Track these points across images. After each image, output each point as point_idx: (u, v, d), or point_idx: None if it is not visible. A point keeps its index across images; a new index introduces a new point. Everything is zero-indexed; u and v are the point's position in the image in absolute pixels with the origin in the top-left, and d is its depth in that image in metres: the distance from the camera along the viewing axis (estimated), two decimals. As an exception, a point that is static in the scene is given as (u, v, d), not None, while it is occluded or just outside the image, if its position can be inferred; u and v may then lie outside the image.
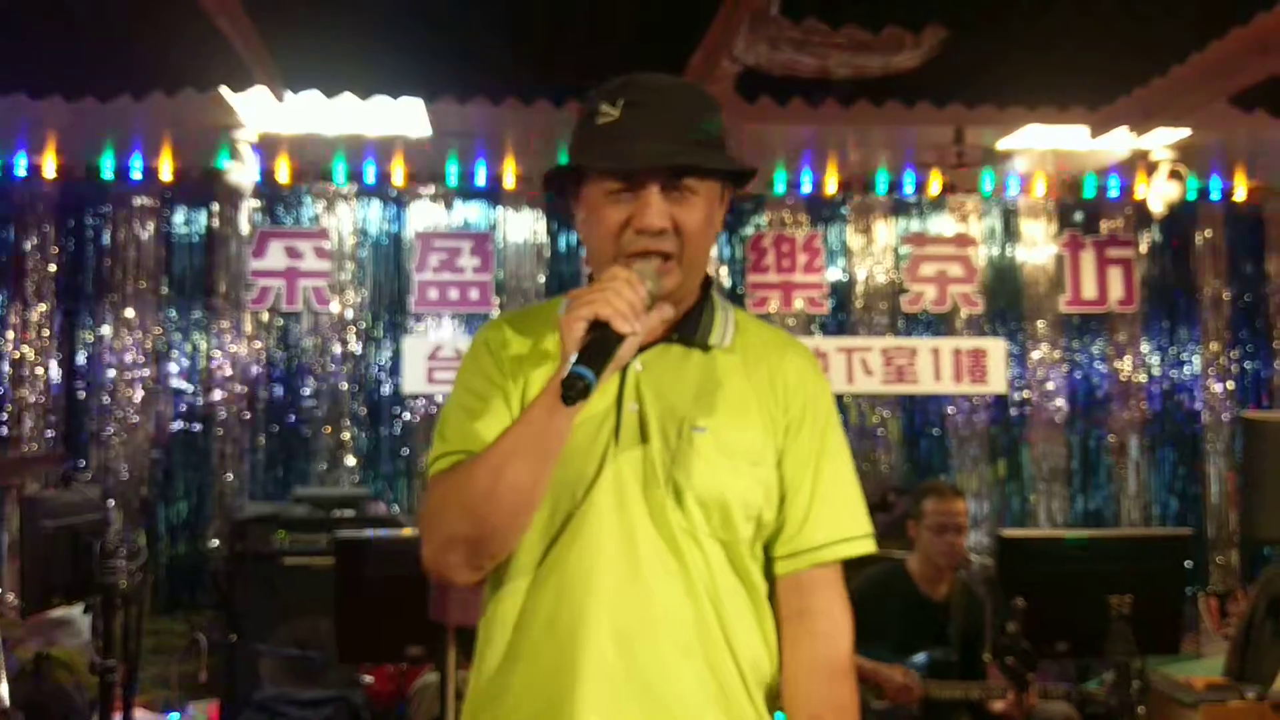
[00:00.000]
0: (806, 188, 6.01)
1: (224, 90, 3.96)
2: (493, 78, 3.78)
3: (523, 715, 1.49)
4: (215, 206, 5.80)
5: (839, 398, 5.96)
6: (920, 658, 4.18)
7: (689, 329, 1.56)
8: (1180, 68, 3.37)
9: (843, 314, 6.07)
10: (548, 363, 1.54)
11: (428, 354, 5.82)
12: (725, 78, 3.52)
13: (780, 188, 6.00)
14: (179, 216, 5.82)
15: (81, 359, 5.72)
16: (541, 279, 5.96)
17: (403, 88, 3.83)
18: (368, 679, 4.72)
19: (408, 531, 4.71)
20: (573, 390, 1.36)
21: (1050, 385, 6.12)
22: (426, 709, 4.01)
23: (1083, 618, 3.57)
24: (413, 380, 5.81)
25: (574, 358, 1.37)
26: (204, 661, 4.32)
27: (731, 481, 1.51)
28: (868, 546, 1.59)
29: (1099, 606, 3.52)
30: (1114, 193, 6.13)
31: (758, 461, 1.54)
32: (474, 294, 5.90)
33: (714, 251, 5.99)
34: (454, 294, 5.89)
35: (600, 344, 1.38)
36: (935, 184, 5.90)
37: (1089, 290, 6.17)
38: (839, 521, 1.57)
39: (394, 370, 5.85)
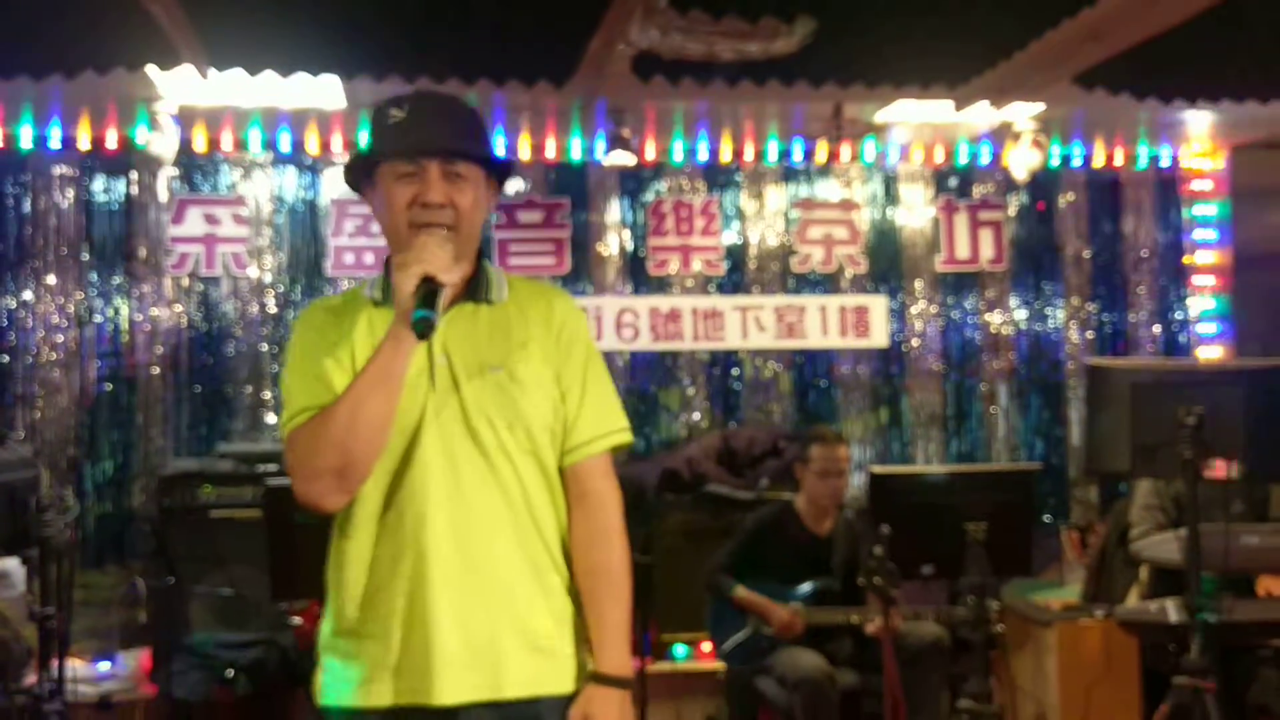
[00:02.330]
0: (703, 157, 6.32)
1: (151, 69, 4.14)
2: (407, 57, 4.02)
3: (389, 608, 1.88)
4: (134, 175, 5.93)
5: (734, 353, 6.39)
6: (806, 587, 4.61)
7: (473, 290, 1.98)
8: (1022, 54, 3.77)
9: (737, 274, 6.40)
10: (361, 322, 1.94)
11: (345, 316, 6.05)
12: (622, 59, 3.85)
13: (679, 157, 6.30)
14: (98, 184, 5.93)
15: (4, 324, 5.84)
16: (454, 243, 6.20)
17: (322, 66, 4.07)
18: (296, 620, 4.98)
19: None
20: (426, 330, 1.77)
21: (928, 338, 6.54)
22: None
23: (944, 543, 3.99)
24: (331, 341, 6.03)
25: (416, 306, 1.77)
26: (144, 606, 4.56)
27: (525, 405, 1.93)
28: (626, 438, 2.03)
29: (958, 533, 3.96)
30: (985, 160, 6.54)
31: (542, 385, 1.96)
32: (389, 258, 6.14)
33: (616, 216, 6.35)
34: (369, 258, 6.09)
35: (432, 293, 1.78)
36: (822, 152, 6.27)
37: (962, 250, 6.58)
38: (601, 421, 2.01)
39: (312, 331, 6.07)
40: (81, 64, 3.91)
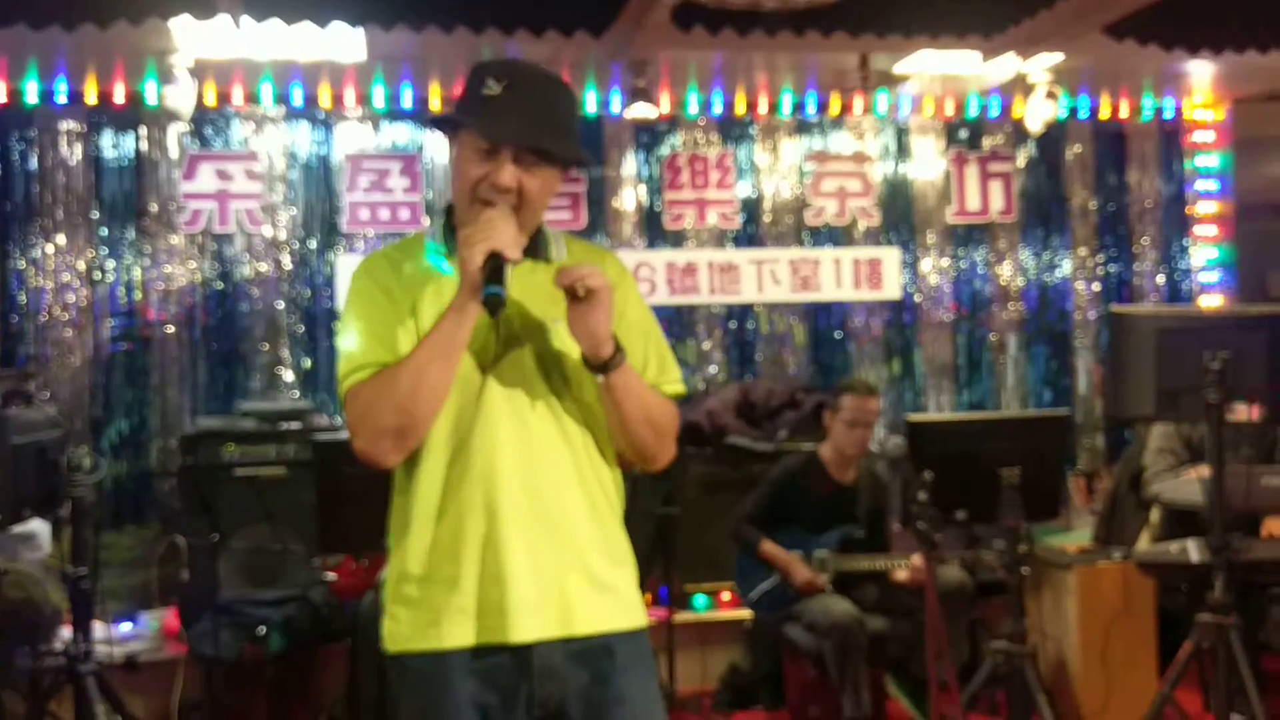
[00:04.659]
0: (718, 109, 6.31)
1: (181, 19, 4.06)
2: (445, 8, 3.97)
3: (461, 552, 1.94)
4: (143, 130, 5.83)
5: (749, 307, 6.42)
6: (832, 535, 4.69)
7: (534, 250, 2.05)
8: (1064, 2, 3.79)
9: (752, 227, 6.42)
10: (428, 283, 1.99)
11: (361, 272, 5.99)
12: (662, 9, 3.82)
13: (694, 110, 6.30)
14: (106, 140, 5.82)
15: (14, 284, 5.74)
16: (469, 198, 6.15)
17: (359, 16, 4.00)
18: (330, 575, 4.99)
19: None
20: (496, 306, 1.84)
21: (939, 290, 6.61)
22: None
23: (979, 488, 4.06)
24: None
25: (485, 283, 1.83)
26: (186, 564, 4.54)
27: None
28: (680, 388, 2.13)
29: (992, 478, 4.03)
30: (995, 112, 6.58)
31: None
32: (404, 214, 6.08)
33: (632, 170, 6.33)
34: (384, 214, 6.05)
35: (498, 269, 1.84)
36: (836, 105, 6.27)
37: (973, 202, 6.64)
38: (657, 373, 2.09)
39: (329, 288, 6.02)
40: (114, 14, 3.82)
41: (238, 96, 5.86)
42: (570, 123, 2.03)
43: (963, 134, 6.63)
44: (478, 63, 1.99)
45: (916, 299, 6.59)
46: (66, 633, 4.01)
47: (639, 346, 2.05)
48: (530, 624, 1.92)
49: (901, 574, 4.57)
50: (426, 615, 1.94)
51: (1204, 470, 3.83)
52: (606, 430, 2.03)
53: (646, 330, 2.09)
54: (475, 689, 1.93)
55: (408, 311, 1.96)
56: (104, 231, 5.84)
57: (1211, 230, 6.87)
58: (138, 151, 5.85)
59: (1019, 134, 6.49)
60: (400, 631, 1.97)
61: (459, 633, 1.93)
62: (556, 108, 1.99)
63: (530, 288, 1.99)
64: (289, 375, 5.98)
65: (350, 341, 1.97)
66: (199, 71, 5.34)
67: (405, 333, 1.94)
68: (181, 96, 5.13)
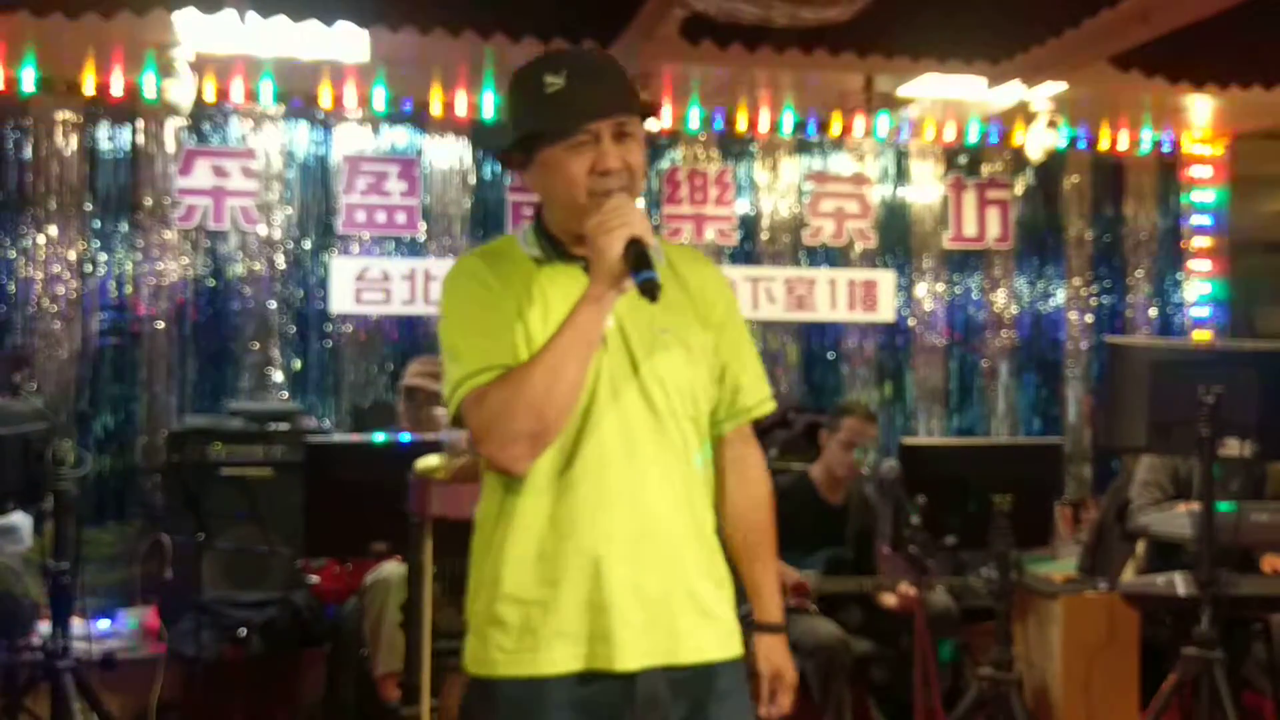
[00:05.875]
0: (719, 125, 6.31)
1: (185, 12, 4.04)
2: (452, 11, 3.96)
3: (562, 572, 1.85)
4: (139, 123, 5.79)
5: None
6: (819, 556, 4.66)
7: None
8: (1073, 31, 3.80)
9: (749, 244, 6.42)
10: (524, 284, 1.90)
11: (355, 275, 5.97)
12: (672, 21, 3.81)
13: (695, 125, 6.28)
14: (102, 132, 5.77)
15: (3, 274, 5.68)
16: (467, 204, 6.13)
17: (367, 17, 3.99)
18: (313, 578, 4.94)
19: (357, 438, 4.95)
20: (655, 290, 1.75)
21: (933, 315, 6.62)
22: (380, 599, 4.25)
23: (970, 514, 4.07)
24: (340, 300, 5.95)
25: (633, 270, 1.75)
26: (170, 562, 4.50)
27: (693, 370, 1.93)
28: (774, 405, 2.09)
29: (983, 505, 4.03)
30: (994, 139, 6.60)
31: (704, 351, 1.95)
32: (400, 218, 6.06)
33: (630, 183, 6.33)
34: (381, 217, 6.02)
35: (644, 255, 1.76)
36: (836, 126, 6.29)
37: (969, 228, 6.66)
38: (757, 390, 2.04)
39: (322, 290, 5.98)
40: (119, 5, 3.80)
41: (237, 93, 5.82)
42: (630, 83, 1.94)
43: (962, 159, 6.65)
44: (518, 71, 1.90)
45: (910, 323, 6.59)
46: (44, 628, 3.96)
47: (736, 362, 2.00)
48: (635, 651, 1.83)
49: (891, 600, 4.55)
50: (523, 639, 1.85)
51: (1193, 505, 3.83)
52: (707, 449, 1.98)
53: (741, 347, 2.03)
54: (573, 718, 1.84)
55: (514, 312, 1.87)
56: (97, 224, 5.79)
57: (1205, 265, 6.91)
58: (134, 144, 5.80)
59: (1018, 161, 6.52)
60: (490, 655, 1.87)
61: (560, 658, 1.84)
62: (618, 72, 1.91)
63: (630, 294, 1.85)
64: (278, 376, 5.94)
65: (465, 344, 1.87)
66: (199, 66, 5.30)
67: (512, 334, 1.86)
68: (180, 90, 5.10)
